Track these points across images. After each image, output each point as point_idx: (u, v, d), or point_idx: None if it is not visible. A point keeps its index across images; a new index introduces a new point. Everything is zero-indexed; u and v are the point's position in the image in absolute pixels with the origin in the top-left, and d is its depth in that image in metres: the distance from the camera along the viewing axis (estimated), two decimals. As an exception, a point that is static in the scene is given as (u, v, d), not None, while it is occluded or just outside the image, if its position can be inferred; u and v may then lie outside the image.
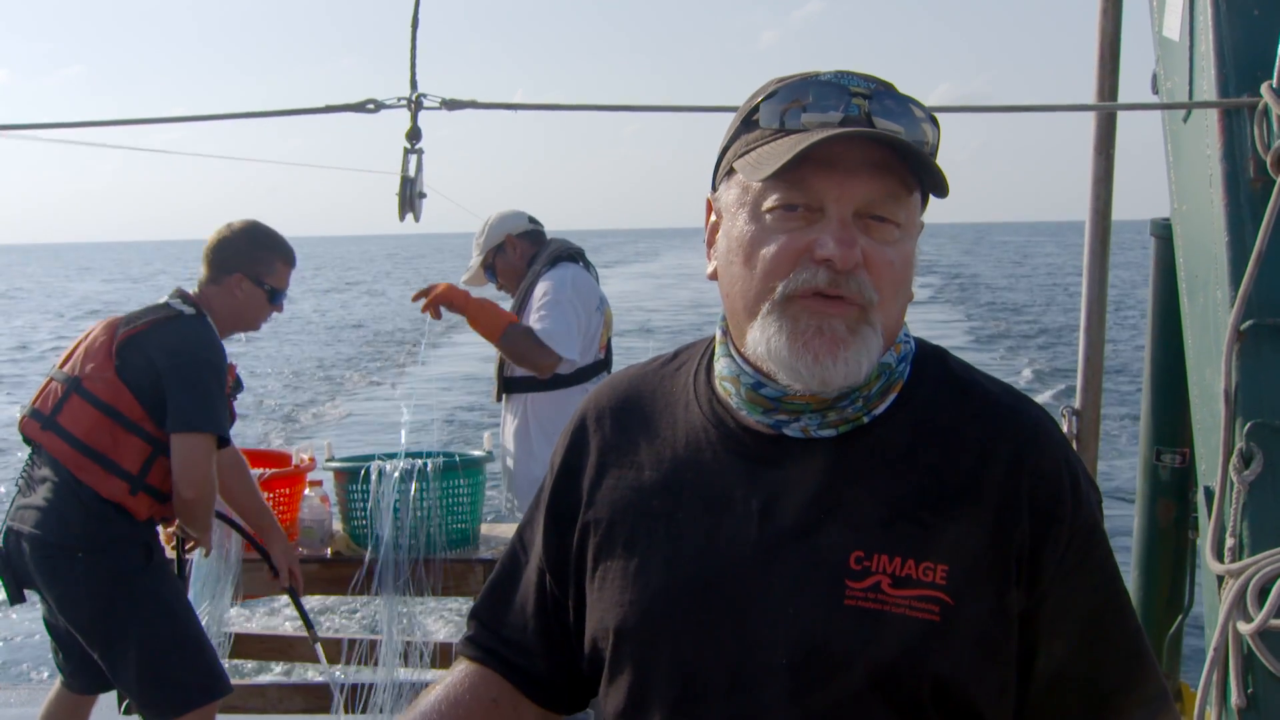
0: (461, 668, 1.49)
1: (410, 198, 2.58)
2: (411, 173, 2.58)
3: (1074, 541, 1.26)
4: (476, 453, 4.32)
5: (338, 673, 4.18)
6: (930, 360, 1.35)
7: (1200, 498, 2.45)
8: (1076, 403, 3.26)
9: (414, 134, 2.56)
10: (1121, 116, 3.21)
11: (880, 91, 1.24)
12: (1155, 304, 3.29)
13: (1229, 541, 2.24)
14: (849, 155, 1.21)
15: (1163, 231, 3.12)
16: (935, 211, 1.35)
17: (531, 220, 4.49)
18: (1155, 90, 2.83)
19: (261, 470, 4.15)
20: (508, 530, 4.41)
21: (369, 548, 4.02)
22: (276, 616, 7.75)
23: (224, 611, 4.00)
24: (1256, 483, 2.23)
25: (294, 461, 4.34)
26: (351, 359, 24.38)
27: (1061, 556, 1.25)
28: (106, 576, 3.33)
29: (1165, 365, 3.20)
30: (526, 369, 4.18)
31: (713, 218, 1.36)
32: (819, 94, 1.23)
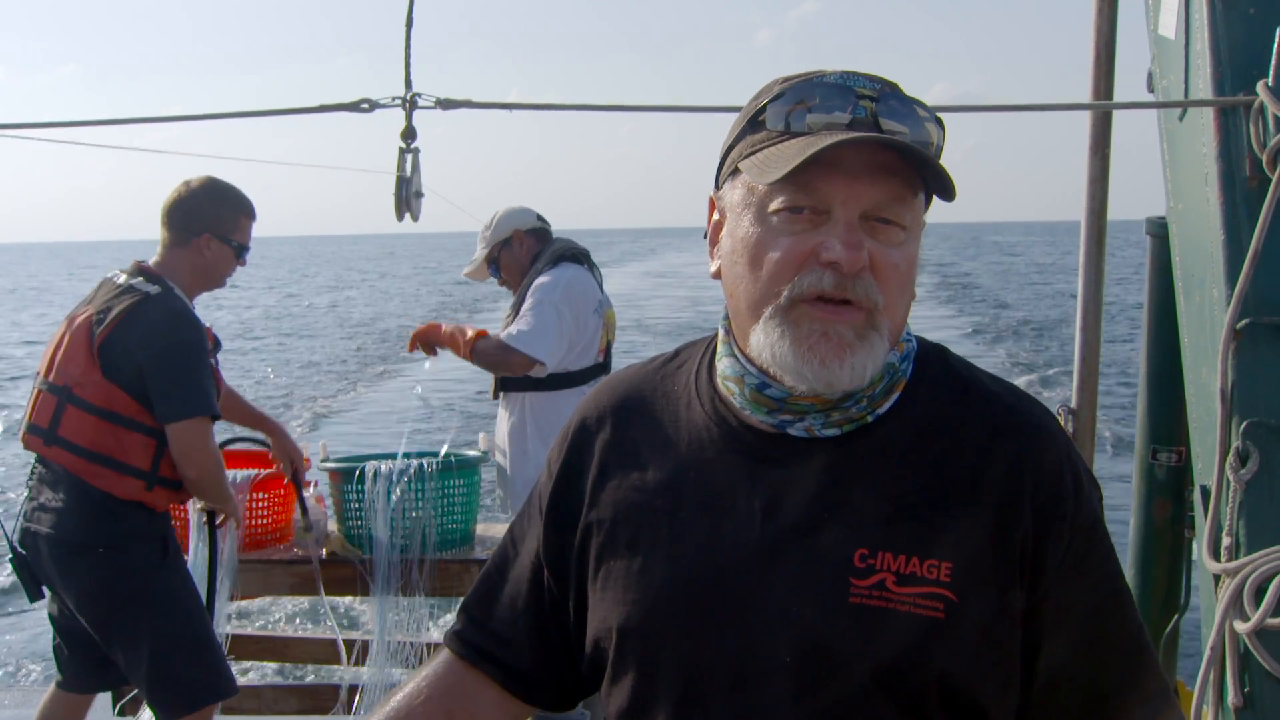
0: (437, 661, 1.50)
1: (407, 197, 2.58)
2: (407, 172, 2.57)
3: (1076, 539, 1.26)
4: (472, 453, 4.31)
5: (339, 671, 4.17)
6: (931, 358, 1.35)
7: (1196, 496, 2.45)
8: (1073, 401, 3.26)
9: (409, 133, 2.55)
10: (1116, 116, 3.22)
11: (886, 93, 1.24)
12: (1151, 303, 3.29)
13: (1225, 540, 2.25)
14: (856, 158, 1.20)
15: (1159, 230, 3.12)
16: (928, 212, 1.35)
17: (539, 218, 4.49)
18: (1151, 89, 2.83)
19: (256, 471, 4.14)
20: (503, 530, 4.39)
21: (364, 548, 4.01)
22: (273, 615, 7.75)
23: (220, 612, 3.99)
24: (1253, 481, 2.23)
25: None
26: (360, 351, 24.47)
27: (1063, 554, 1.25)
28: (125, 573, 3.33)
29: (1161, 364, 3.20)
30: (505, 375, 4.26)
31: (715, 216, 1.36)
32: (825, 95, 1.23)
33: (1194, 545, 2.91)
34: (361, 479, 3.98)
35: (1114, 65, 3.15)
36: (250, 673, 5.81)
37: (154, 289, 3.39)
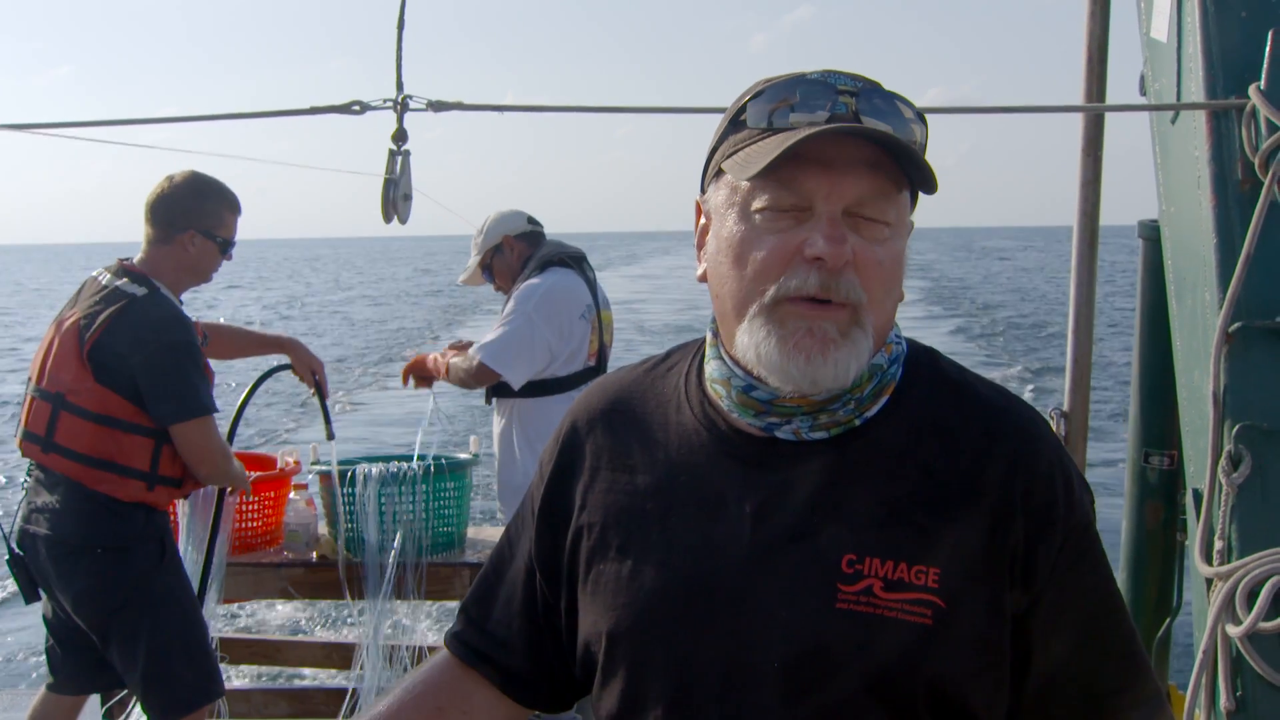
0: (432, 661, 1.50)
1: (394, 199, 2.57)
2: (396, 174, 2.56)
3: (1068, 543, 1.26)
4: (463, 456, 4.30)
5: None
6: (922, 362, 1.35)
7: (1189, 500, 2.44)
8: (1065, 404, 3.26)
9: (400, 135, 2.54)
10: (1109, 120, 3.21)
11: (868, 89, 1.23)
12: (1143, 306, 3.29)
13: (1218, 544, 2.24)
14: (838, 154, 1.20)
15: (1151, 233, 3.12)
16: (920, 216, 1.34)
17: (531, 221, 4.47)
18: (1143, 92, 2.83)
19: (248, 474, 4.12)
20: (494, 534, 4.39)
21: (354, 551, 4.00)
22: (267, 614, 7.72)
23: (208, 614, 3.97)
24: (1245, 485, 2.23)
25: (279, 465, 4.31)
26: (363, 352, 24.53)
27: (1055, 558, 1.25)
28: (123, 574, 3.32)
29: (1153, 367, 3.20)
30: (479, 387, 4.33)
31: (702, 220, 1.35)
32: (806, 93, 1.22)
33: (1186, 548, 2.91)
34: (352, 481, 3.96)
35: (1106, 68, 3.15)
36: (241, 676, 5.80)
37: (140, 290, 3.37)
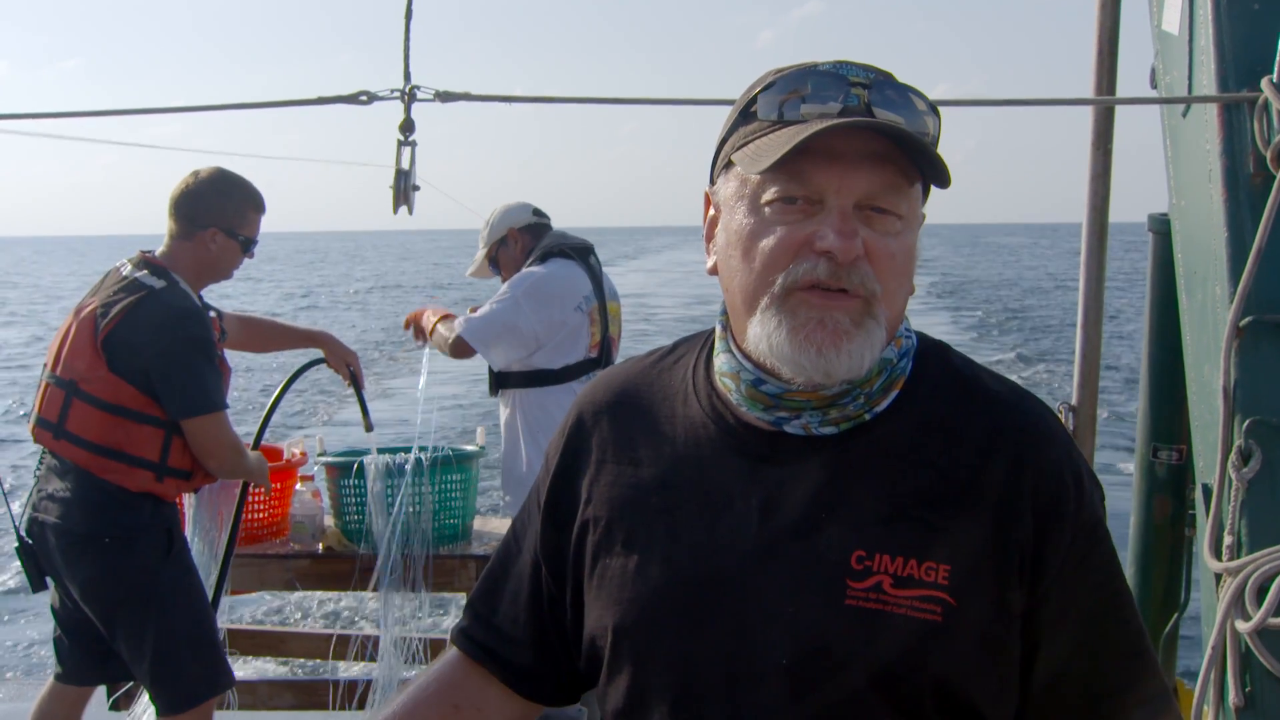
0: (445, 658, 1.50)
1: (404, 190, 2.56)
2: (405, 165, 2.56)
3: (1077, 540, 1.25)
4: (470, 447, 4.30)
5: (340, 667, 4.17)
6: (932, 356, 1.34)
7: (1198, 495, 2.44)
8: (1073, 398, 3.25)
9: (407, 126, 2.54)
10: (1118, 116, 3.20)
11: (880, 81, 1.22)
12: (1153, 300, 3.28)
13: (1227, 539, 2.24)
14: (849, 146, 1.19)
15: (1161, 227, 3.11)
16: (927, 212, 1.33)
17: (536, 212, 4.47)
18: (1154, 85, 2.82)
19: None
20: (501, 525, 4.40)
21: (361, 543, 4.00)
22: (268, 607, 7.74)
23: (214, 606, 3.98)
24: (1255, 480, 2.22)
25: (285, 456, 4.32)
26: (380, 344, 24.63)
27: (1064, 555, 1.24)
28: (130, 564, 3.32)
29: (1163, 361, 3.19)
30: (456, 359, 4.34)
31: (711, 212, 1.34)
32: (817, 84, 1.21)
33: (1194, 544, 2.90)
34: (359, 473, 3.96)
35: (1117, 61, 3.14)
36: (247, 667, 5.81)
37: (158, 283, 3.38)
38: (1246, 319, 2.27)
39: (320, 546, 4.14)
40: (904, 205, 1.22)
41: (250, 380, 17.92)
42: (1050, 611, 1.24)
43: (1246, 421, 2.24)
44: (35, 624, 7.61)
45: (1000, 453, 1.24)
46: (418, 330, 4.46)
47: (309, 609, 7.78)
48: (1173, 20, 2.63)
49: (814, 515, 1.23)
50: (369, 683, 4.05)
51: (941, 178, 1.22)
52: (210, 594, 3.69)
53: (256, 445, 3.92)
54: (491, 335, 4.13)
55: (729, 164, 1.28)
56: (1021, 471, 1.24)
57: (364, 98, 2.54)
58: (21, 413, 15.98)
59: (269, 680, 4.97)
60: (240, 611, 7.40)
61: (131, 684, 3.67)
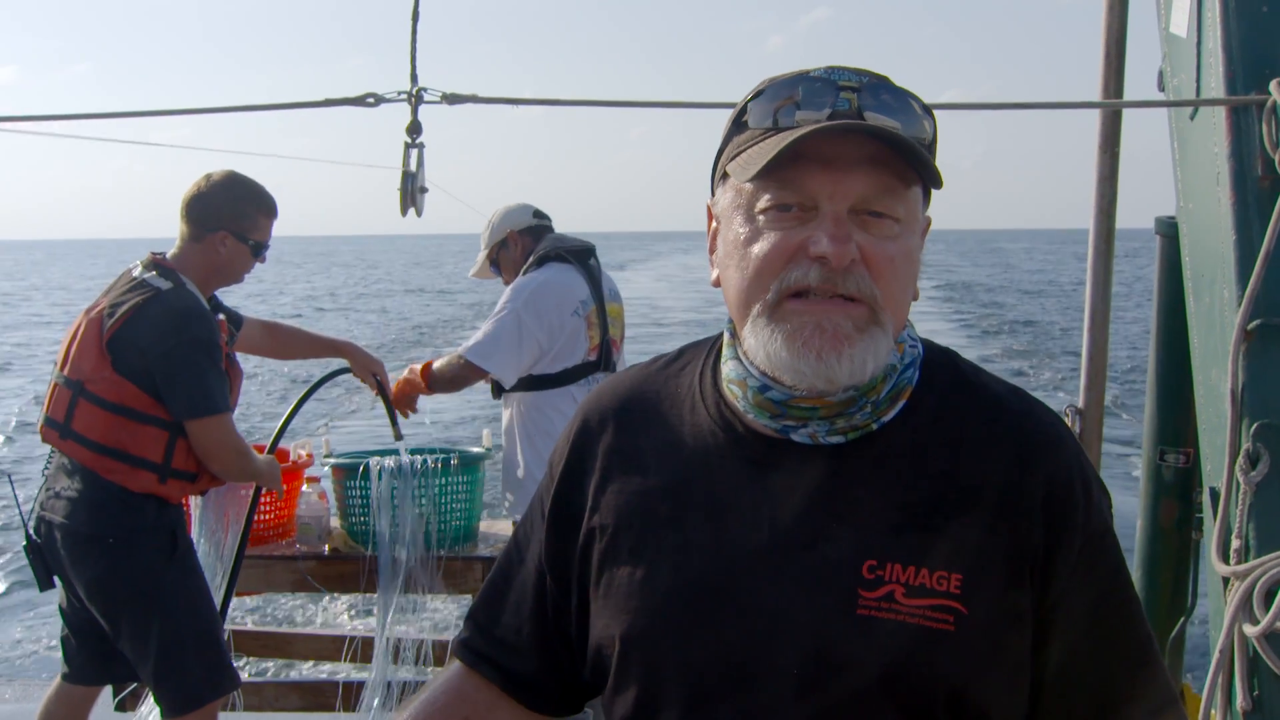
0: (451, 670, 1.49)
1: (411, 192, 2.56)
2: (412, 167, 2.56)
3: (1086, 547, 1.25)
4: (475, 449, 4.30)
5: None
6: (940, 364, 1.33)
7: (1205, 498, 2.43)
8: (1080, 402, 3.24)
9: (414, 128, 2.54)
10: (1126, 119, 3.19)
11: (873, 85, 1.22)
12: (1160, 303, 3.27)
13: (1234, 543, 2.23)
14: (841, 151, 1.18)
15: (1168, 230, 3.10)
16: (935, 219, 1.33)
17: (536, 214, 4.46)
18: (1161, 88, 2.81)
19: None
20: (506, 527, 4.39)
21: (367, 545, 4.00)
22: (273, 607, 7.75)
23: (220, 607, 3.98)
24: (1263, 484, 2.21)
25: (291, 458, 4.32)
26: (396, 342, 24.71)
27: (1074, 563, 1.24)
28: (133, 566, 3.33)
29: (1170, 364, 3.18)
30: (467, 387, 4.30)
31: (713, 224, 1.34)
32: (808, 90, 1.21)
33: (1201, 547, 2.89)
34: (365, 475, 3.96)
35: (1124, 64, 3.13)
36: (253, 669, 5.81)
37: (165, 284, 3.38)
38: (1254, 322, 2.26)
39: (326, 548, 4.14)
40: (900, 208, 1.21)
41: (271, 385, 17.99)
42: (1059, 618, 1.24)
43: (1254, 425, 2.23)
44: (44, 623, 7.63)
45: (1010, 461, 1.24)
46: (409, 395, 4.31)
47: (315, 610, 7.78)
48: (1180, 23, 2.63)
49: (824, 524, 1.23)
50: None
51: (931, 177, 1.22)
52: (220, 597, 3.70)
53: (272, 450, 3.92)
54: (500, 353, 4.12)
55: (725, 175, 1.28)
56: (1032, 480, 1.23)
57: (371, 100, 2.54)
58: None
59: (275, 681, 4.97)
60: (246, 613, 7.40)
61: (137, 684, 3.67)
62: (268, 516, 4.18)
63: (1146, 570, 3.36)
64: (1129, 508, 3.43)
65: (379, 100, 2.54)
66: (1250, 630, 2.12)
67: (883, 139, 1.18)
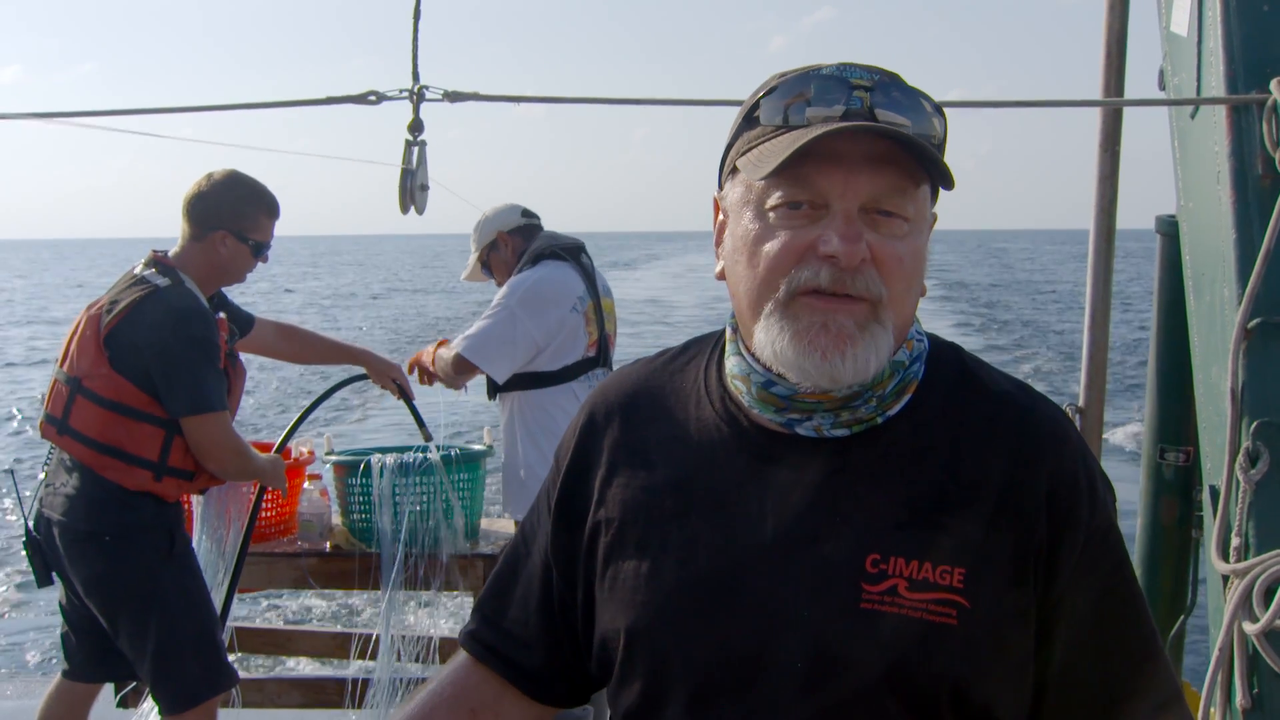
0: (458, 662, 1.49)
1: (411, 190, 2.57)
2: (413, 165, 2.57)
3: (1090, 543, 1.25)
4: (476, 447, 4.30)
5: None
6: (945, 359, 1.34)
7: (1205, 496, 2.44)
8: (1080, 399, 3.25)
9: (415, 126, 2.54)
10: (1126, 118, 3.20)
11: (884, 83, 1.22)
12: (1161, 301, 3.28)
13: (1234, 541, 2.23)
14: (852, 150, 1.19)
15: (1169, 229, 3.11)
16: (939, 218, 1.33)
17: (525, 214, 4.44)
18: (1162, 86, 2.82)
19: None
20: (507, 525, 4.40)
21: (368, 542, 4.01)
22: (276, 607, 7.76)
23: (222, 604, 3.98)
24: (1263, 482, 2.22)
25: (293, 455, 4.32)
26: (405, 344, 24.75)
27: (1078, 558, 1.24)
28: (130, 563, 3.33)
29: (1170, 363, 3.19)
30: (464, 382, 4.33)
31: (719, 217, 1.34)
32: (820, 88, 1.21)
33: (1201, 545, 2.90)
34: (366, 472, 3.97)
35: (1125, 62, 3.13)
36: (254, 666, 5.82)
37: (164, 281, 3.39)
38: (1254, 320, 2.27)
39: (328, 545, 4.14)
40: (910, 207, 1.22)
41: (286, 387, 17.99)
42: (1063, 614, 1.25)
43: (1254, 423, 2.24)
44: (44, 620, 7.63)
45: (1014, 456, 1.25)
46: (423, 372, 4.42)
47: (316, 607, 7.79)
48: (1181, 22, 2.63)
49: (828, 518, 1.23)
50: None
51: (944, 178, 1.22)
52: (222, 595, 3.70)
53: (280, 450, 3.93)
54: (492, 350, 4.11)
55: (735, 169, 1.28)
56: (1037, 475, 1.24)
57: (372, 98, 2.55)
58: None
59: (276, 678, 4.97)
60: (247, 610, 7.41)
61: (138, 682, 3.68)
62: (269, 514, 4.18)
63: (1147, 568, 3.36)
64: (1129, 508, 3.43)
65: (381, 98, 2.54)
66: (1250, 628, 2.12)
67: (896, 139, 1.18)
